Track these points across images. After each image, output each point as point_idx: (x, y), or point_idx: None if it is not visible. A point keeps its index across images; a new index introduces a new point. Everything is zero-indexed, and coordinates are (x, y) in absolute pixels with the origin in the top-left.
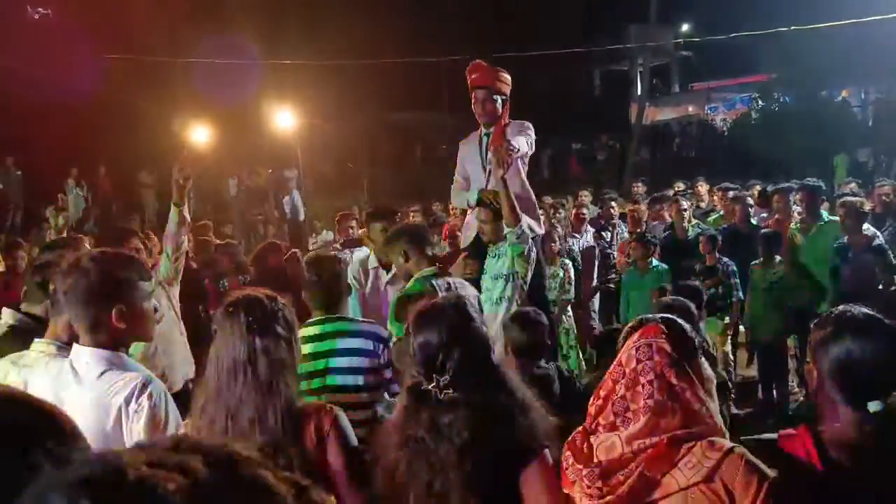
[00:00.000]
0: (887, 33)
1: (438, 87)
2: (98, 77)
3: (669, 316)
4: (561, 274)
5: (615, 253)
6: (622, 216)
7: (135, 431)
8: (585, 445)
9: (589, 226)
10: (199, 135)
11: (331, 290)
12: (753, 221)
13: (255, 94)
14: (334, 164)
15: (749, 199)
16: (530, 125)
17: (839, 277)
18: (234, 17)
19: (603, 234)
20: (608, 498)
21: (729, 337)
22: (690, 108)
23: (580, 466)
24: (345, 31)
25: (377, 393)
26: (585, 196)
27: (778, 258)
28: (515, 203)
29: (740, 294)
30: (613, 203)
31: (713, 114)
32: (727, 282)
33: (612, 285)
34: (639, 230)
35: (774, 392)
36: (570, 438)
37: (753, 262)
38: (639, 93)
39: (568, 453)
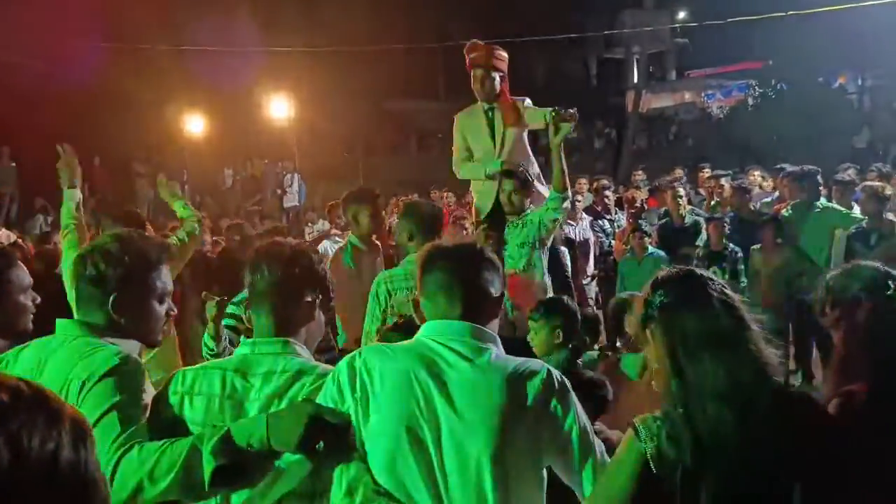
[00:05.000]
0: (884, 19)
1: (435, 75)
2: (93, 66)
3: None
4: None
5: (611, 240)
6: (618, 202)
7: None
8: None
9: (585, 213)
10: (195, 124)
11: None
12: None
13: (250, 82)
14: (330, 153)
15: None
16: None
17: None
18: (230, 5)
19: (599, 221)
20: None
21: None
22: (687, 96)
23: None
24: (341, 18)
25: None
26: (582, 184)
27: (779, 241)
28: (566, 169)
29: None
30: (608, 192)
31: (710, 101)
32: (735, 268)
33: (609, 272)
34: (632, 219)
35: None
36: None
37: (754, 248)
38: (635, 80)
39: None
